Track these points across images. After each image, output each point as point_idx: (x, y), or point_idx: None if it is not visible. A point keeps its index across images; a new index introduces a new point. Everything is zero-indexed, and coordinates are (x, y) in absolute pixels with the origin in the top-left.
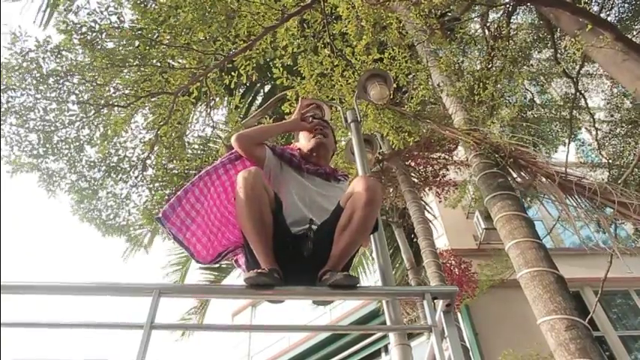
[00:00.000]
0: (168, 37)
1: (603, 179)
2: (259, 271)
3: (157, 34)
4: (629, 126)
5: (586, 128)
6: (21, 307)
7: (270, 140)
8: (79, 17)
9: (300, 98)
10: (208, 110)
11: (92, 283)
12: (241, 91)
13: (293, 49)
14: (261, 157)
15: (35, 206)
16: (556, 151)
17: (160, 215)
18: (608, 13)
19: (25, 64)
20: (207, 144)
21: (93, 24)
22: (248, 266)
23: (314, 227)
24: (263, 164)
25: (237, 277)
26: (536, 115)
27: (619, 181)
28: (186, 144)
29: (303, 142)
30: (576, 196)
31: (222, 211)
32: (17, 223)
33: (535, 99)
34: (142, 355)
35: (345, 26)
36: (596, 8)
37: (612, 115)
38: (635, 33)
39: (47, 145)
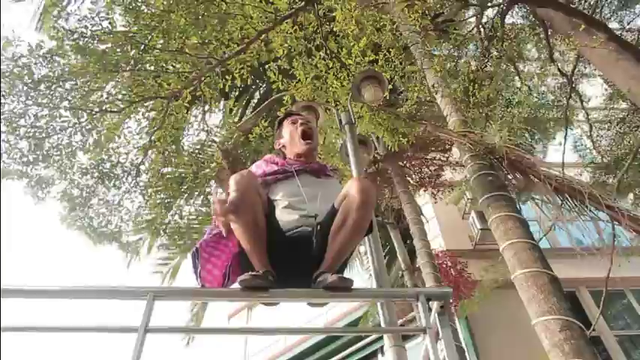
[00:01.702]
0: (161, 42)
1: (597, 172)
2: (253, 273)
3: (150, 39)
4: (623, 124)
5: (580, 127)
6: (17, 311)
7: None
8: (69, 24)
9: (300, 102)
10: (203, 114)
11: (87, 287)
12: (236, 93)
13: (285, 51)
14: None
15: (23, 214)
16: (553, 139)
17: (199, 245)
18: (602, 7)
19: (16, 70)
20: (203, 148)
21: (84, 29)
22: (242, 270)
23: (317, 224)
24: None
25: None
26: (530, 113)
27: (615, 179)
28: (182, 149)
29: (287, 139)
30: (569, 199)
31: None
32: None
33: (531, 95)
34: (136, 358)
35: (343, 28)
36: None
37: (606, 108)
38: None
39: (37, 152)
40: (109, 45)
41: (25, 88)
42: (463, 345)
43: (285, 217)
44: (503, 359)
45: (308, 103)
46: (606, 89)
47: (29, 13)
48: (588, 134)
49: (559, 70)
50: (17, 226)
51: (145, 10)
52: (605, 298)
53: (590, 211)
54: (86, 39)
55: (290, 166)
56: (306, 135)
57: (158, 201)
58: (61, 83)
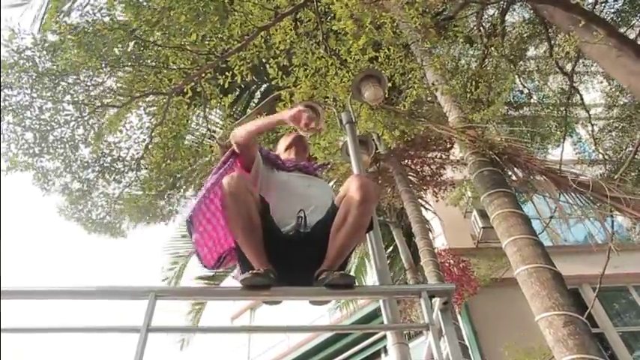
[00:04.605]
0: (162, 38)
1: (601, 174)
2: (255, 271)
3: (150, 36)
4: (624, 121)
5: (582, 124)
6: (18, 312)
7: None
8: (71, 19)
9: (299, 102)
10: (203, 110)
11: (89, 287)
12: (237, 92)
13: (286, 46)
14: (253, 156)
15: (22, 206)
16: (556, 147)
17: (190, 217)
18: (603, 6)
19: (21, 62)
20: (202, 142)
21: (86, 24)
22: (243, 270)
23: (306, 221)
24: (252, 164)
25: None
26: (532, 112)
27: (615, 177)
28: (181, 143)
29: (282, 146)
30: (572, 193)
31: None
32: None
33: (531, 95)
34: (139, 357)
35: (342, 26)
36: (591, 0)
37: (609, 109)
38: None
39: (43, 145)
40: (110, 38)
41: (31, 81)
42: (466, 343)
43: (281, 212)
44: (506, 357)
45: (308, 103)
46: (605, 91)
47: (27, 15)
48: (589, 132)
49: (559, 67)
50: (18, 226)
51: (146, 5)
52: (598, 291)
53: (593, 202)
54: (88, 34)
55: (286, 162)
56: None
57: (153, 192)
58: (63, 77)
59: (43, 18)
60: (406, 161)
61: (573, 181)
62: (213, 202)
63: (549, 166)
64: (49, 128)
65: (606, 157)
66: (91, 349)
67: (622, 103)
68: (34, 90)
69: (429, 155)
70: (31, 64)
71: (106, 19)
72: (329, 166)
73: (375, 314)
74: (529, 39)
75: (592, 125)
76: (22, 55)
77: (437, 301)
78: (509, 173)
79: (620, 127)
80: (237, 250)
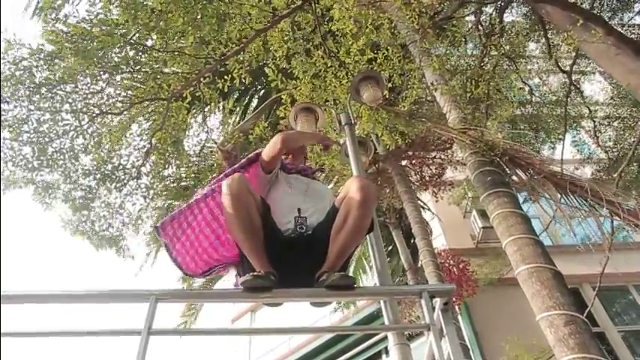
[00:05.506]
0: (160, 42)
1: (599, 169)
2: (255, 273)
3: (147, 40)
4: (624, 114)
5: (583, 126)
6: (19, 316)
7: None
8: (67, 26)
9: (299, 103)
10: (203, 116)
11: (90, 291)
12: (236, 95)
13: (284, 51)
14: (280, 161)
15: (26, 221)
16: (559, 142)
17: (159, 224)
18: (601, 2)
19: (17, 73)
20: (202, 149)
21: (83, 31)
22: (244, 272)
23: (306, 222)
24: (272, 170)
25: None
26: (533, 112)
27: (615, 175)
28: (182, 150)
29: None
30: (571, 195)
31: (213, 229)
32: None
33: (533, 94)
34: None
35: (341, 27)
36: None
37: (608, 105)
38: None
39: (42, 158)
40: (109, 46)
41: (28, 92)
42: (467, 343)
43: (283, 213)
44: (507, 352)
45: (307, 105)
46: (606, 87)
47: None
48: (590, 130)
49: (558, 66)
50: (23, 232)
51: (142, 8)
52: (598, 290)
53: (591, 206)
54: (85, 41)
55: (286, 165)
56: None
57: (159, 204)
58: (61, 86)
59: (35, 11)
60: (406, 162)
61: (572, 184)
62: (208, 206)
63: (549, 169)
64: (47, 140)
65: (606, 150)
66: (92, 353)
67: (621, 97)
68: (31, 102)
69: (429, 156)
70: (27, 74)
71: (103, 26)
72: (325, 170)
73: (376, 315)
74: (528, 35)
75: (593, 120)
76: (19, 66)
77: (437, 302)
78: (510, 173)
79: (620, 118)
80: (239, 252)
